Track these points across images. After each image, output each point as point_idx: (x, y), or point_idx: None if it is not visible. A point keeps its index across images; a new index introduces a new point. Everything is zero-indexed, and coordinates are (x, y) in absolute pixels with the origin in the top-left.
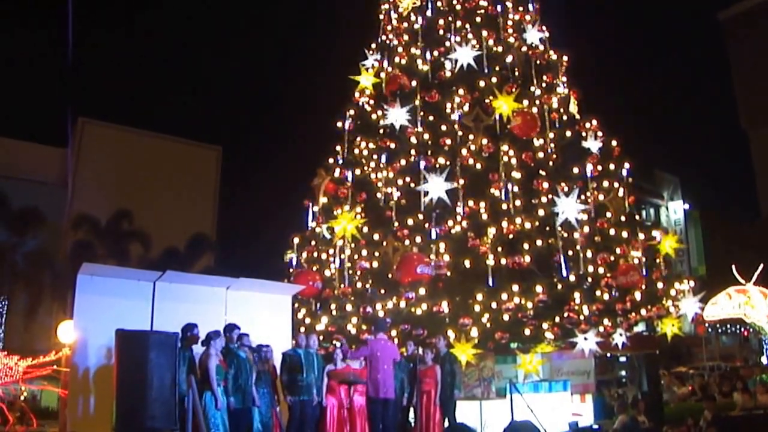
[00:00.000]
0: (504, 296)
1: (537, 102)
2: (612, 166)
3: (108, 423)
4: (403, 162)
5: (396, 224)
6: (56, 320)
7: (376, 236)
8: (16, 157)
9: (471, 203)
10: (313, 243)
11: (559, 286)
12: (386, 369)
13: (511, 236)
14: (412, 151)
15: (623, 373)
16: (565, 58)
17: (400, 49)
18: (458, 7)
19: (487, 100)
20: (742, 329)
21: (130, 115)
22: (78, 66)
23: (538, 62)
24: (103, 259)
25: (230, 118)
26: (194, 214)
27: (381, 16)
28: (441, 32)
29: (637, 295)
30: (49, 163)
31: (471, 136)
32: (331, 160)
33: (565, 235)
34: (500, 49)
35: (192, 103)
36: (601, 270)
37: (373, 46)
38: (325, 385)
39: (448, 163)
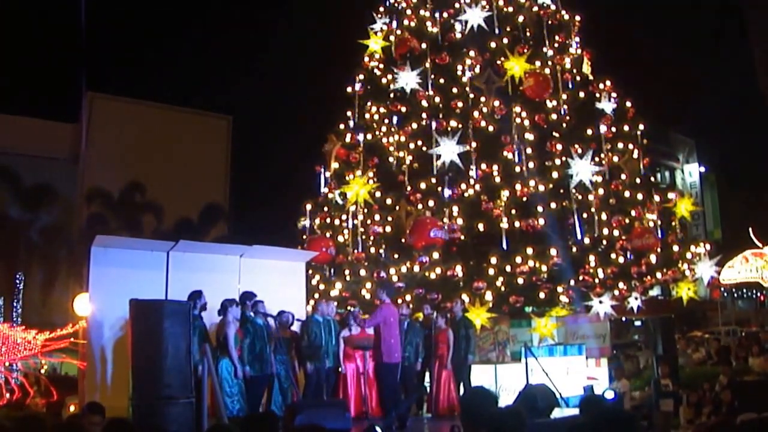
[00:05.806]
0: (518, 260)
1: (549, 63)
2: (626, 128)
3: (125, 393)
4: (414, 126)
5: (408, 188)
6: (72, 293)
7: (388, 201)
8: (27, 134)
9: (484, 166)
10: (325, 209)
11: (574, 249)
12: (398, 334)
13: (524, 199)
14: (424, 115)
15: (637, 337)
16: (577, 18)
17: (408, 12)
18: None
19: (498, 62)
20: (759, 294)
21: (138, 86)
22: (88, 41)
23: (549, 22)
24: (117, 231)
25: (239, 86)
26: (206, 184)
27: None
28: None
29: (653, 259)
30: (60, 140)
31: (483, 99)
32: (342, 126)
33: (580, 197)
34: (511, 9)
35: (201, 73)
36: (615, 233)
37: (382, 9)
38: (341, 351)
39: (459, 126)
